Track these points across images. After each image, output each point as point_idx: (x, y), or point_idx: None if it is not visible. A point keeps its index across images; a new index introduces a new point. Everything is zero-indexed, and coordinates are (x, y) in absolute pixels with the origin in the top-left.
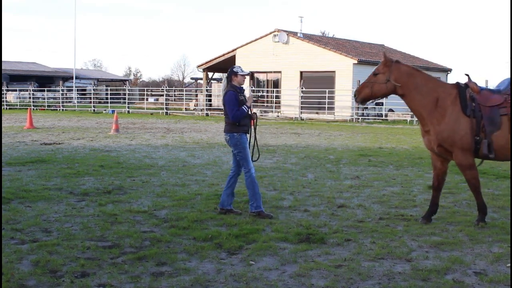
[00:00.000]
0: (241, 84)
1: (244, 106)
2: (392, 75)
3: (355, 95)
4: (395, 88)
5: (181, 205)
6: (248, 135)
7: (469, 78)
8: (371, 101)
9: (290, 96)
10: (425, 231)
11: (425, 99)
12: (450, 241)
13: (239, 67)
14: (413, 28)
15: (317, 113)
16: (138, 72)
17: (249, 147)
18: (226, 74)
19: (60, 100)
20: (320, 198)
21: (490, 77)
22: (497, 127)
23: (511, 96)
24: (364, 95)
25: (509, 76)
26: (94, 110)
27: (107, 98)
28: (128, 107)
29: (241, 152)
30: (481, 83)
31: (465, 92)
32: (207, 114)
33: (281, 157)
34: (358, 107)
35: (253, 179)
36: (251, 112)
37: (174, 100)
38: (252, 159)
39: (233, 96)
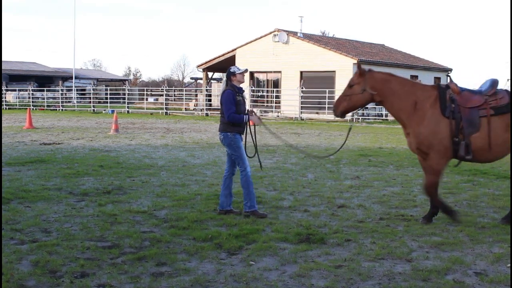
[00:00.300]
0: (241, 82)
1: (246, 115)
2: (367, 84)
3: (333, 110)
4: (372, 96)
5: (181, 205)
6: (243, 136)
7: (450, 79)
8: (351, 113)
9: (290, 96)
10: (425, 231)
11: (403, 103)
12: (451, 241)
13: (236, 67)
14: (413, 28)
15: (317, 113)
16: (137, 72)
17: (251, 146)
18: (225, 76)
19: (60, 100)
20: (320, 198)
21: (490, 77)
22: (476, 128)
23: (511, 96)
24: (343, 108)
25: (508, 76)
26: (93, 110)
27: (106, 98)
28: (128, 107)
29: (236, 152)
30: (481, 83)
31: (445, 93)
32: (207, 114)
33: (281, 157)
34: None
35: (248, 178)
36: (248, 120)
37: (174, 100)
38: (247, 155)
39: (231, 95)
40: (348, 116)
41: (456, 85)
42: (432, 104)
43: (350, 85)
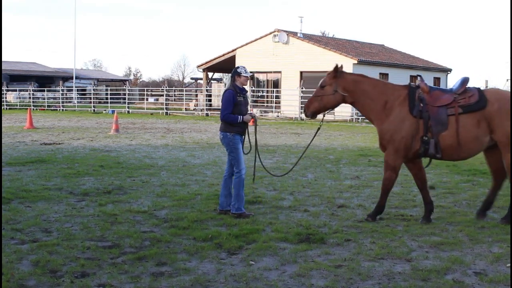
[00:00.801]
0: (244, 85)
1: (240, 116)
2: (339, 85)
3: (304, 110)
4: (344, 97)
5: (181, 205)
6: (243, 137)
7: (421, 78)
8: (322, 114)
9: (290, 96)
10: (425, 231)
11: (374, 103)
12: (450, 241)
13: (244, 67)
14: (413, 28)
15: None
16: (138, 72)
17: (250, 146)
18: (231, 74)
19: (60, 100)
20: (320, 198)
21: (490, 77)
22: (444, 127)
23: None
24: (314, 108)
25: (508, 76)
26: (94, 110)
27: (107, 98)
28: (128, 107)
29: (233, 152)
30: (481, 84)
31: (415, 93)
32: (207, 114)
33: (281, 157)
34: None
35: (241, 181)
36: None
37: (174, 100)
38: (244, 152)
39: (231, 95)
40: (319, 116)
41: (426, 84)
42: (400, 103)
43: (321, 86)
